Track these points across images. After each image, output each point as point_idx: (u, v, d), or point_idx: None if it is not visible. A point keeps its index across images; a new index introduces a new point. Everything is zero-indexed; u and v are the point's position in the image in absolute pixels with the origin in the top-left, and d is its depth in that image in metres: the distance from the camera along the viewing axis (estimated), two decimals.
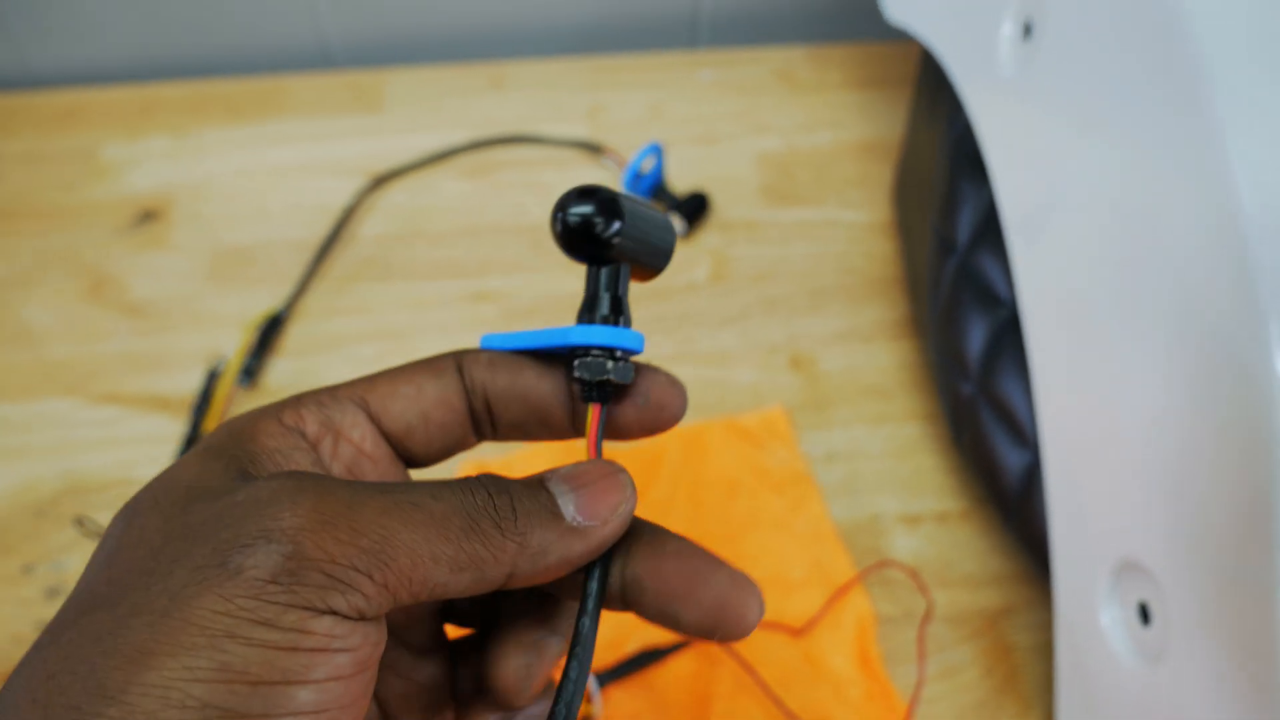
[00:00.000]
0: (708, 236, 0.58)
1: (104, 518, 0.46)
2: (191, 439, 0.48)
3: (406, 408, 0.23)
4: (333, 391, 0.23)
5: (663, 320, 0.54)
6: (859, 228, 0.59)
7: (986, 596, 0.45)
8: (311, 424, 0.22)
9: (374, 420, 0.23)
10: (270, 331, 0.52)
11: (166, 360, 0.52)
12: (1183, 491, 0.33)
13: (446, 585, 0.19)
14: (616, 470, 0.21)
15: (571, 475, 0.21)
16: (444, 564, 0.19)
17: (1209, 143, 0.33)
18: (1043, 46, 0.43)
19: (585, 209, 0.22)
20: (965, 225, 0.48)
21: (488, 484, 0.20)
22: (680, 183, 0.60)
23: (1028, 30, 0.44)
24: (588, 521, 0.20)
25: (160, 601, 0.17)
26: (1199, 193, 0.33)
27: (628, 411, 0.23)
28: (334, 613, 0.17)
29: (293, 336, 0.53)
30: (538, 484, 0.21)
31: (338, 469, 0.22)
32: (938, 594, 0.45)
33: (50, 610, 0.44)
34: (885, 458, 0.50)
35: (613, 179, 0.60)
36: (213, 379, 0.50)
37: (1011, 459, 0.44)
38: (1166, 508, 0.34)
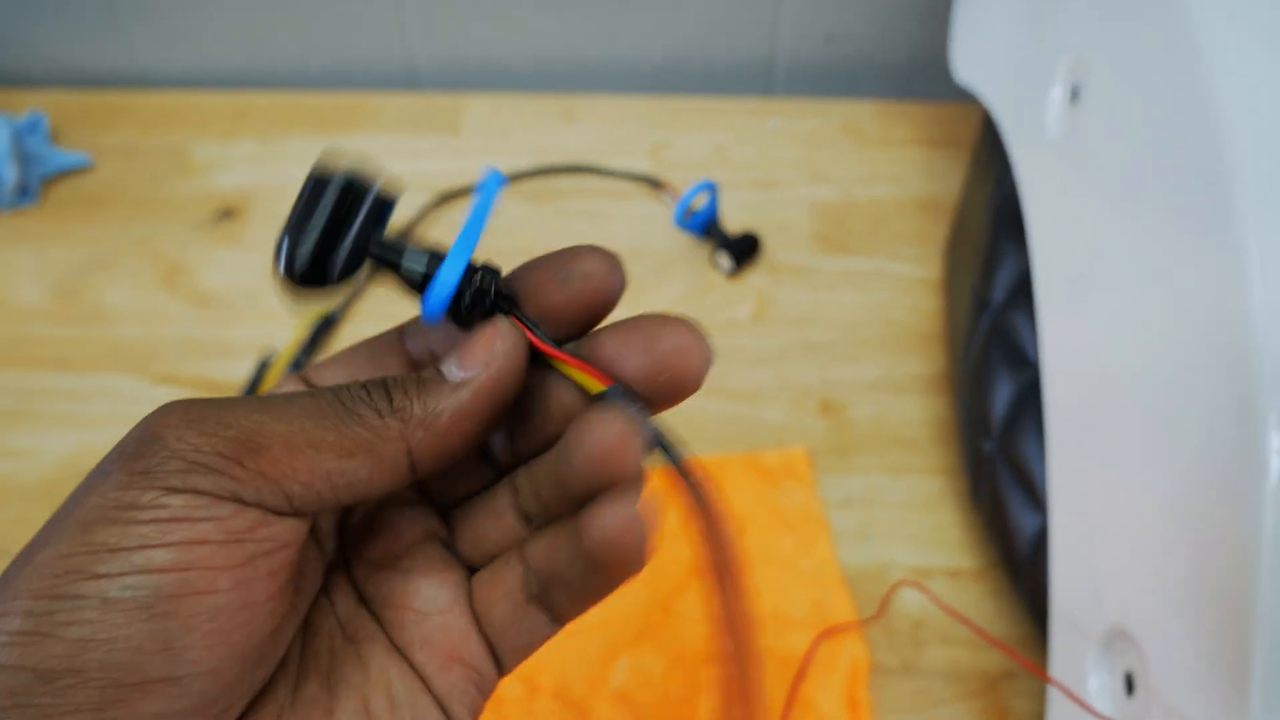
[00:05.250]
0: (755, 277, 0.59)
1: None
2: None
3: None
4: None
5: None
6: (907, 281, 0.60)
7: (989, 658, 0.45)
8: None
9: None
10: (322, 329, 0.55)
11: (224, 349, 0.55)
12: (1174, 567, 0.33)
13: (345, 473, 0.20)
14: (496, 319, 0.21)
15: (457, 345, 0.21)
16: (328, 450, 0.20)
17: (1229, 246, 0.33)
18: (1086, 112, 0.43)
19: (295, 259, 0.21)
20: (1002, 284, 0.48)
21: (365, 381, 0.21)
22: (735, 224, 0.61)
23: (1075, 94, 0.44)
24: (469, 371, 0.21)
25: (58, 517, 0.19)
26: (1215, 295, 0.33)
27: (553, 295, 0.22)
28: (197, 491, 0.19)
29: (343, 337, 0.56)
30: (429, 366, 0.22)
31: None
32: (939, 650, 0.45)
33: None
34: (903, 509, 0.49)
35: (668, 213, 0.62)
36: (263, 369, 0.53)
37: (1025, 521, 0.44)
38: (1157, 580, 0.33)
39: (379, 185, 0.22)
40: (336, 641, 0.23)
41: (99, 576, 0.18)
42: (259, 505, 0.20)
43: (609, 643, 0.43)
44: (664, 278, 0.59)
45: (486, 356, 0.21)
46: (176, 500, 0.19)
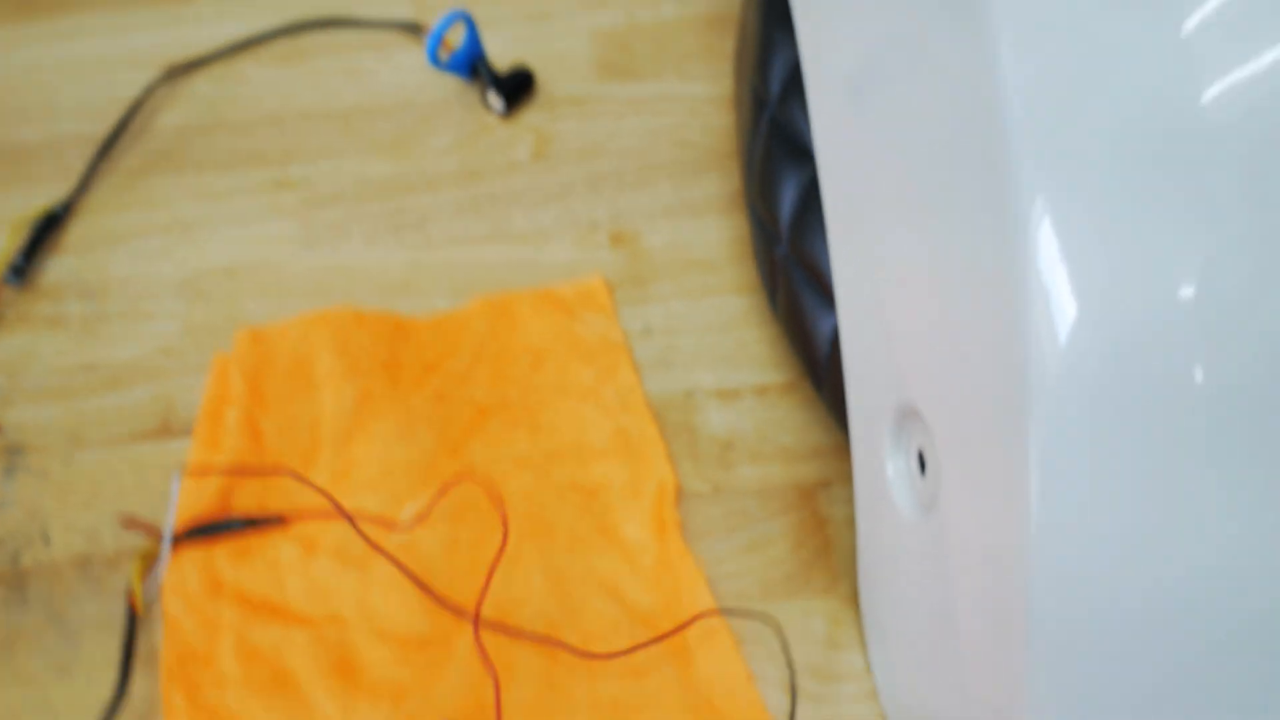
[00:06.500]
0: (531, 115, 0.55)
1: None
2: None
3: None
4: None
5: (477, 201, 0.51)
6: (698, 101, 0.56)
7: (802, 470, 0.43)
8: None
9: None
10: (46, 229, 0.48)
11: None
12: (946, 337, 0.31)
13: None
14: None
15: None
16: None
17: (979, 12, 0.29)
18: None
19: None
20: (777, 77, 0.45)
21: None
22: (508, 61, 0.56)
23: None
24: None
25: None
26: (971, 69, 0.30)
27: None
28: None
29: (75, 233, 0.49)
30: None
31: None
32: (751, 468, 0.43)
33: None
34: (706, 332, 0.47)
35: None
36: None
37: (822, 323, 0.41)
38: (932, 350, 0.31)
39: None
40: None
41: None
42: None
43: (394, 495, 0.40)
44: (432, 127, 0.54)
45: None
46: None
